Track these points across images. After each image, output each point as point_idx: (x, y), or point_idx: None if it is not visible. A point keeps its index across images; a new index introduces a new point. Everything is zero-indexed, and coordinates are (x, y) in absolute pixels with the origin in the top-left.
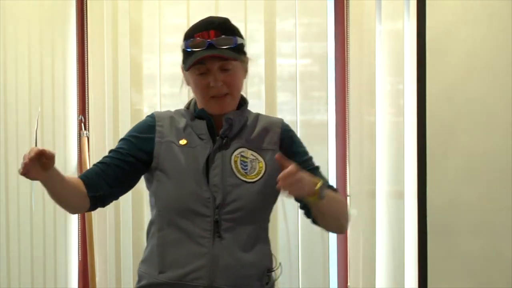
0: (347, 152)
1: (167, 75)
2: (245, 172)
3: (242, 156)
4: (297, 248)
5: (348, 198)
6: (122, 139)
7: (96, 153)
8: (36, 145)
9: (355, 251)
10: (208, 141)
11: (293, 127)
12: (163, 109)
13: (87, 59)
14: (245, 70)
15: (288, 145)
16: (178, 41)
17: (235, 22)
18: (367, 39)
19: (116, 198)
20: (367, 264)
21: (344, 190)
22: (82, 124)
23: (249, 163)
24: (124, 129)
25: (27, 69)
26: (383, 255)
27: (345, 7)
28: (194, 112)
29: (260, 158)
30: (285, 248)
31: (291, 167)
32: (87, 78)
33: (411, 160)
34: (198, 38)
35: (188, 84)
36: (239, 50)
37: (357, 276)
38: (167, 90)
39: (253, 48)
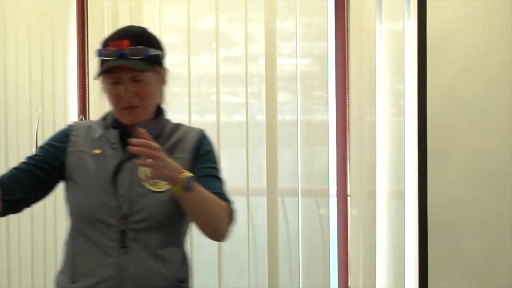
0: (348, 152)
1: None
2: (154, 182)
3: None
4: (297, 248)
5: (348, 198)
6: (40, 147)
7: None
8: (36, 145)
9: (355, 251)
10: (119, 151)
11: (293, 127)
12: (165, 109)
13: (88, 59)
14: (162, 81)
15: (200, 153)
16: (178, 41)
17: (235, 22)
18: (367, 39)
19: (29, 205)
20: (367, 264)
21: (344, 190)
22: None
23: None
24: None
25: (27, 69)
26: (384, 255)
27: (345, 7)
28: (109, 122)
29: None
30: (285, 248)
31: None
32: (88, 78)
33: (412, 160)
34: (111, 48)
35: (105, 92)
36: (153, 61)
37: (358, 276)
38: (167, 89)
39: (254, 48)
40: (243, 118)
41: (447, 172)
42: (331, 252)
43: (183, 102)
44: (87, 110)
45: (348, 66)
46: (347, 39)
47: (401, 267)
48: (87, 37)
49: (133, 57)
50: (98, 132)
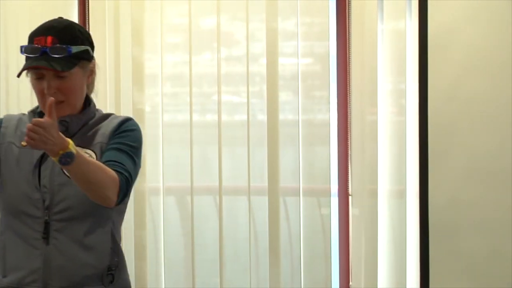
0: (349, 152)
1: (169, 74)
2: None
3: None
4: (299, 247)
5: (350, 197)
6: None
7: None
8: None
9: (357, 250)
10: None
11: (294, 127)
12: (166, 108)
13: None
14: (90, 73)
15: (115, 133)
16: (180, 41)
17: (236, 21)
18: (369, 39)
19: None
20: (369, 264)
21: (346, 189)
22: None
23: None
24: None
25: None
26: (385, 254)
27: (347, 7)
28: (36, 115)
29: (93, 155)
30: (287, 248)
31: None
32: None
33: (413, 160)
34: (34, 45)
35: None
36: (78, 58)
37: (359, 275)
38: (168, 89)
39: (255, 47)
40: (245, 117)
41: (448, 171)
42: (332, 252)
43: (184, 102)
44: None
45: (349, 66)
46: (349, 39)
47: (402, 266)
48: None
49: (55, 55)
50: (27, 124)
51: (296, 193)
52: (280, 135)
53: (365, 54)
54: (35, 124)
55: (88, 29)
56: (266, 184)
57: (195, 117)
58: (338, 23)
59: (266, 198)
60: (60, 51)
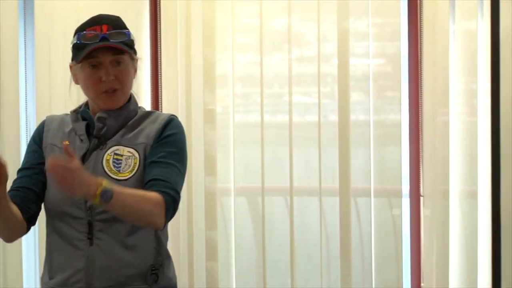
0: (421, 152)
1: (240, 75)
2: (118, 170)
3: (115, 154)
4: (370, 248)
5: (421, 198)
6: (27, 152)
7: None
8: None
9: (428, 251)
10: (86, 142)
11: (366, 127)
12: (237, 109)
13: (160, 59)
14: (135, 69)
15: (161, 137)
16: (251, 41)
17: (308, 22)
18: (440, 39)
19: (39, 213)
20: (440, 264)
21: (417, 190)
22: None
23: (123, 161)
24: (197, 129)
25: None
26: (457, 255)
27: (418, 7)
28: (79, 115)
29: (137, 154)
30: (358, 248)
31: (70, 160)
32: (161, 78)
33: (485, 160)
34: (91, 32)
35: (76, 82)
36: (131, 46)
37: (431, 276)
38: (240, 90)
39: (326, 48)
40: (316, 118)
41: None
42: (403, 253)
43: (255, 102)
44: (160, 110)
45: (421, 66)
46: (420, 39)
47: (474, 267)
48: (160, 37)
49: (114, 40)
50: (69, 125)
51: (367, 193)
52: (351, 135)
53: (436, 54)
54: (63, 169)
55: (160, 29)
56: (337, 184)
57: (266, 117)
58: (410, 23)
59: (337, 199)
60: (119, 36)
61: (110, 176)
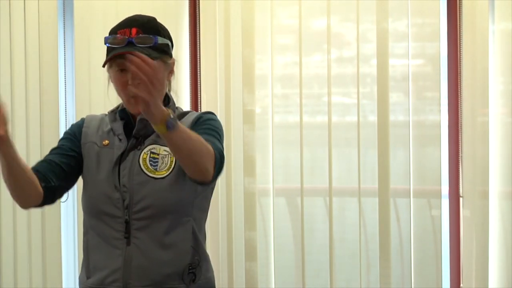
0: (460, 153)
1: (279, 75)
2: (154, 169)
3: (152, 152)
4: (409, 248)
5: (461, 199)
6: (61, 138)
7: None
8: None
9: (468, 251)
10: (124, 141)
11: (405, 128)
12: (277, 110)
13: (200, 60)
14: (170, 71)
15: (198, 122)
16: (290, 42)
17: (347, 22)
18: (480, 39)
19: (62, 194)
20: (480, 265)
21: (457, 190)
22: None
23: (160, 159)
24: (236, 129)
25: None
26: (496, 256)
27: (458, 7)
28: (117, 114)
29: None
30: (397, 248)
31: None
32: (200, 78)
33: None
34: (119, 35)
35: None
36: (161, 50)
37: (470, 276)
38: (279, 90)
39: (366, 48)
40: (355, 118)
41: None
42: (443, 253)
43: (294, 103)
44: (200, 111)
45: (460, 67)
46: (460, 39)
47: None
48: (199, 37)
49: (140, 45)
50: (108, 125)
51: (406, 194)
52: (390, 136)
53: (476, 54)
54: (143, 62)
55: (199, 30)
56: (377, 185)
57: (305, 118)
58: (449, 23)
59: (377, 199)
60: (146, 41)
61: (147, 175)
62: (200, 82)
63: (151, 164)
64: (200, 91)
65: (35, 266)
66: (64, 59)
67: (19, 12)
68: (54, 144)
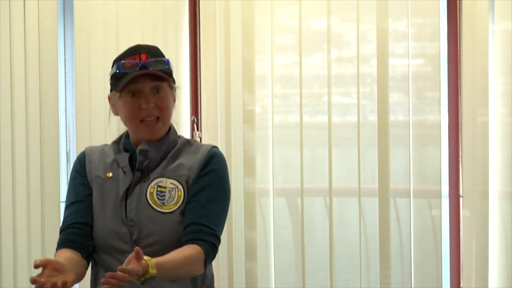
0: (460, 153)
1: (279, 75)
2: (162, 203)
3: (159, 186)
4: (409, 248)
5: (461, 199)
6: (72, 185)
7: None
8: None
9: (467, 251)
10: (129, 174)
11: (405, 128)
12: (277, 110)
13: (200, 60)
14: (174, 98)
15: (203, 172)
16: (290, 42)
17: (347, 22)
18: (480, 39)
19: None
20: (480, 265)
21: (457, 190)
22: (195, 125)
23: (167, 193)
24: (236, 129)
25: None
26: (496, 256)
27: (458, 7)
28: (121, 145)
29: (180, 186)
30: (397, 249)
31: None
32: (200, 79)
33: None
34: (130, 61)
35: (116, 113)
36: (170, 74)
37: (470, 276)
38: (279, 90)
39: (366, 48)
40: (355, 118)
41: None
42: (443, 253)
43: (294, 103)
44: (199, 111)
45: (460, 66)
46: (460, 40)
47: None
48: (199, 38)
49: (154, 68)
50: (111, 156)
51: (406, 194)
52: (390, 136)
53: (476, 54)
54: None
55: (199, 30)
56: (377, 185)
57: (306, 118)
58: (449, 24)
59: (377, 199)
60: (159, 64)
61: (155, 209)
62: (200, 82)
63: (158, 198)
64: (200, 91)
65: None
66: (64, 59)
67: (19, 12)
68: (54, 144)
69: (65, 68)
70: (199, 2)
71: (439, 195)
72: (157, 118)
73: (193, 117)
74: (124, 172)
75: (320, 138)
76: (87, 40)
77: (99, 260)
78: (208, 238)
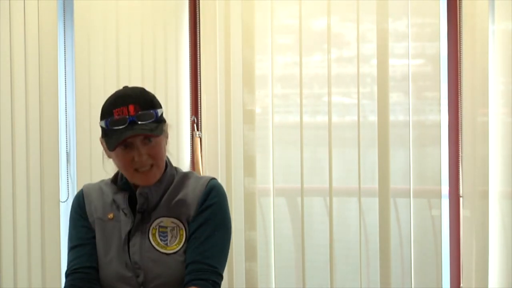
0: (460, 153)
1: (279, 75)
2: (165, 244)
3: (160, 226)
4: (409, 248)
5: (461, 199)
6: (73, 227)
7: (209, 154)
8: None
9: (468, 251)
10: (130, 216)
11: (405, 128)
12: (277, 110)
13: (200, 60)
14: (167, 137)
15: (202, 207)
16: (290, 42)
17: (347, 22)
18: (480, 39)
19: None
20: (480, 265)
21: (457, 190)
22: (195, 125)
23: (169, 233)
24: (236, 129)
25: (140, 70)
26: (497, 256)
27: (458, 7)
28: (119, 185)
29: (181, 225)
30: (397, 249)
31: None
32: (200, 79)
33: None
34: (118, 116)
35: (109, 157)
36: (160, 121)
37: (470, 277)
38: (279, 90)
39: (366, 48)
40: (355, 118)
41: None
42: (443, 253)
43: (294, 103)
44: (199, 111)
45: (460, 66)
46: (460, 39)
47: None
48: (199, 38)
49: (143, 121)
50: (110, 196)
51: (406, 194)
52: (390, 136)
53: (476, 54)
54: None
55: (199, 30)
56: (377, 185)
57: (306, 118)
58: (449, 24)
59: (377, 199)
60: (147, 117)
61: (159, 251)
62: (200, 82)
63: (161, 239)
64: (200, 91)
65: (34, 267)
66: (64, 59)
67: (19, 12)
68: (53, 144)
69: (65, 68)
70: (199, 2)
71: (439, 195)
72: (151, 165)
73: (193, 117)
74: (125, 214)
75: (320, 138)
76: (87, 40)
77: None
78: (209, 277)
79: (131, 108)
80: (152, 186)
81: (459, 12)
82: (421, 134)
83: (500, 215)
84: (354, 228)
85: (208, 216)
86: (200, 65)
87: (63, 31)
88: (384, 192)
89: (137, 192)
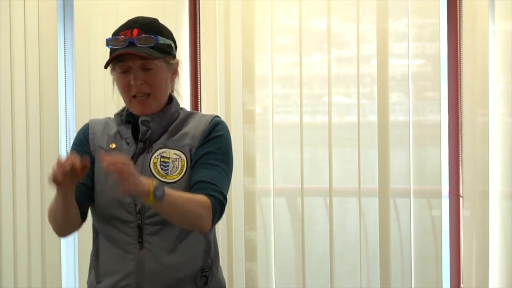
0: (460, 153)
1: (279, 76)
2: (166, 173)
3: (162, 157)
4: (409, 249)
5: (461, 199)
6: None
7: None
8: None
9: (468, 252)
10: (132, 145)
11: (405, 128)
12: (277, 110)
13: (200, 60)
14: (174, 72)
15: (207, 138)
16: (290, 42)
17: (347, 22)
18: (480, 39)
19: (88, 209)
20: (480, 265)
21: (457, 190)
22: None
23: (170, 163)
24: (237, 129)
25: None
26: (497, 256)
27: (458, 7)
28: (123, 118)
29: (183, 156)
30: (397, 249)
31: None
32: (200, 79)
33: None
34: (121, 36)
35: (115, 83)
36: (163, 51)
37: (470, 277)
38: (279, 91)
39: (366, 48)
40: (355, 118)
41: None
42: (443, 253)
43: (294, 103)
44: (200, 111)
45: (460, 67)
46: (460, 40)
47: None
48: (199, 38)
49: (142, 45)
50: (114, 128)
51: (406, 194)
52: (390, 136)
53: (476, 54)
54: (121, 165)
55: (199, 30)
56: (377, 185)
57: (306, 118)
58: (449, 24)
59: (377, 199)
60: (147, 41)
61: (158, 179)
62: (200, 82)
63: (162, 169)
64: (200, 91)
65: (34, 267)
66: (64, 59)
67: (19, 12)
68: (54, 144)
69: (65, 68)
70: (199, 2)
71: (439, 195)
72: (148, 94)
73: None
74: (127, 143)
75: (320, 138)
76: (87, 40)
77: (101, 231)
78: (216, 195)
79: (135, 31)
80: (154, 115)
81: (459, 12)
82: (421, 134)
83: (500, 215)
84: (354, 228)
85: (214, 145)
86: (200, 65)
87: (63, 31)
88: (384, 192)
89: (139, 120)
